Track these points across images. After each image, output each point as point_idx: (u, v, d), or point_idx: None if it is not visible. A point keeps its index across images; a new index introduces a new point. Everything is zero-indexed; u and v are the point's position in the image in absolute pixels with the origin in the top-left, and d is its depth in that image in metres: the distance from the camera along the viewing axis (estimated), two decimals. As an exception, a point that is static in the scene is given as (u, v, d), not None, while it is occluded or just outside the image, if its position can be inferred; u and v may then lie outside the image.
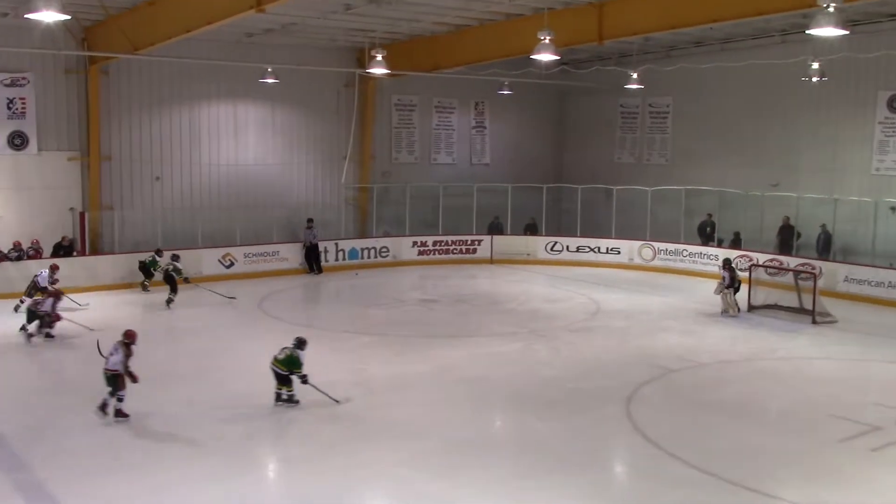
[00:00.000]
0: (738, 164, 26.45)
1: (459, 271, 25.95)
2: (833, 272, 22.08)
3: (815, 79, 22.22)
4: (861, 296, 21.40)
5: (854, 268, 22.11)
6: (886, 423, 12.32)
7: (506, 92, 28.56)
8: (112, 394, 11.97)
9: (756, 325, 18.76)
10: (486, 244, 27.58)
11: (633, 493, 10.42)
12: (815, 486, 10.24)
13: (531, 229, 28.64)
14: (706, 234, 26.25)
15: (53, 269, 19.66)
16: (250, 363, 15.31)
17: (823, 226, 23.57)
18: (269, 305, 20.72)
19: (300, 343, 12.81)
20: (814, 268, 21.40)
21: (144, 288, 21.77)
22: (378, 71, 21.67)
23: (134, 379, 12.00)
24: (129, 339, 12.19)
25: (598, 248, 26.77)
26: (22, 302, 18.59)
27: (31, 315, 16.79)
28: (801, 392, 14.07)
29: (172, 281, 20.55)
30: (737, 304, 19.52)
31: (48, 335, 16.78)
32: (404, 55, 24.81)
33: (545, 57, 17.24)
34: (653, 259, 26.11)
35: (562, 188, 29.52)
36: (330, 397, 12.85)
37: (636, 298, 21.78)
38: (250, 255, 24.51)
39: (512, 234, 28.28)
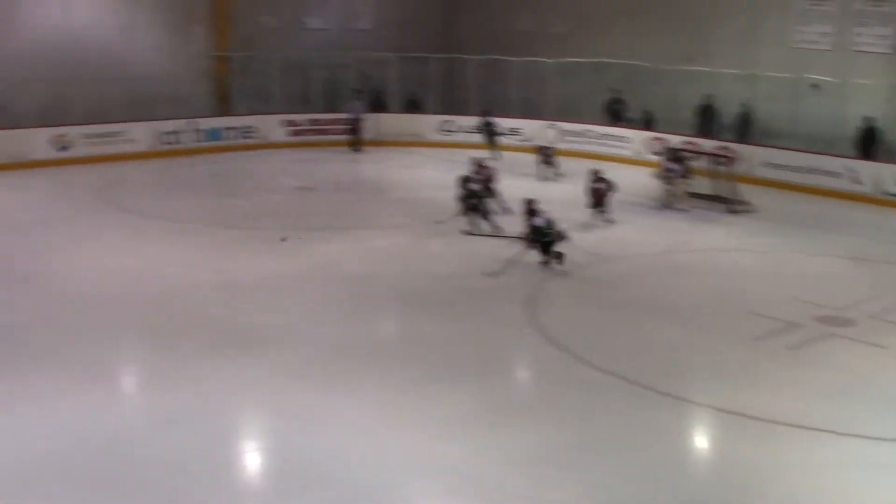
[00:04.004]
0: (648, 32, 26.58)
1: (338, 155, 25.65)
2: (751, 156, 22.80)
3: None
4: (780, 182, 22.23)
5: (773, 152, 22.88)
6: (805, 319, 12.98)
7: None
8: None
9: (669, 215, 19.30)
10: (370, 123, 27.22)
11: (534, 399, 10.77)
12: (730, 388, 10.74)
13: (414, 106, 28.40)
14: (614, 114, 26.59)
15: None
16: (93, 263, 14.99)
17: (744, 105, 24.18)
18: (116, 195, 20.11)
19: None
20: (731, 151, 22.03)
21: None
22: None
23: None
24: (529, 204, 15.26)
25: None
26: None
27: None
28: (716, 287, 14.65)
29: None
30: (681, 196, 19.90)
31: None
32: None
33: None
34: (557, 141, 26.35)
35: (453, 59, 29.21)
36: None
37: (539, 185, 22.03)
38: (90, 136, 23.55)
39: (394, 112, 27.98)
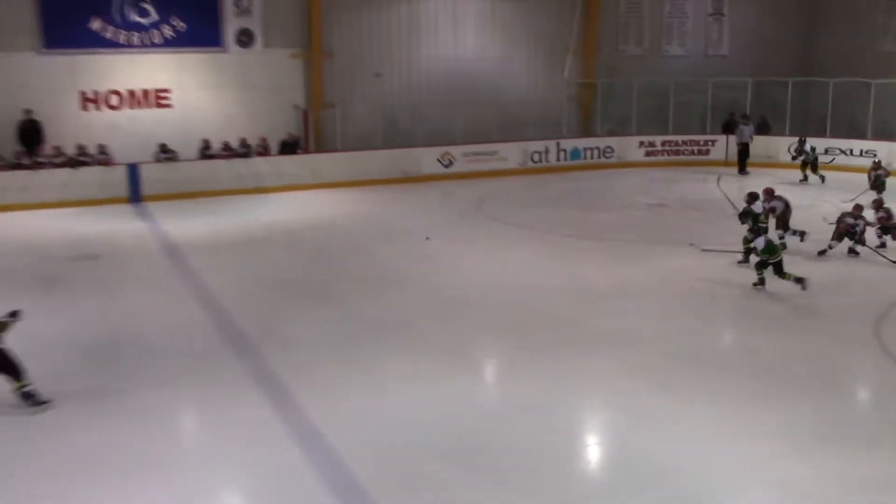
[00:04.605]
0: None
1: (690, 174, 25.59)
2: None
3: None
4: None
5: None
6: None
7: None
8: None
9: None
10: (721, 145, 26.92)
11: (879, 424, 9.98)
12: None
13: (765, 128, 27.30)
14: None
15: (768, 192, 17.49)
16: (466, 265, 16.01)
17: None
18: (489, 207, 21.35)
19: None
20: None
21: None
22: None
23: None
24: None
25: (850, 151, 25.20)
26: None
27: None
28: None
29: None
30: None
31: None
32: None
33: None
34: (912, 165, 24.34)
35: (810, 82, 27.74)
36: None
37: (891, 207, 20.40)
38: (469, 155, 25.11)
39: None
